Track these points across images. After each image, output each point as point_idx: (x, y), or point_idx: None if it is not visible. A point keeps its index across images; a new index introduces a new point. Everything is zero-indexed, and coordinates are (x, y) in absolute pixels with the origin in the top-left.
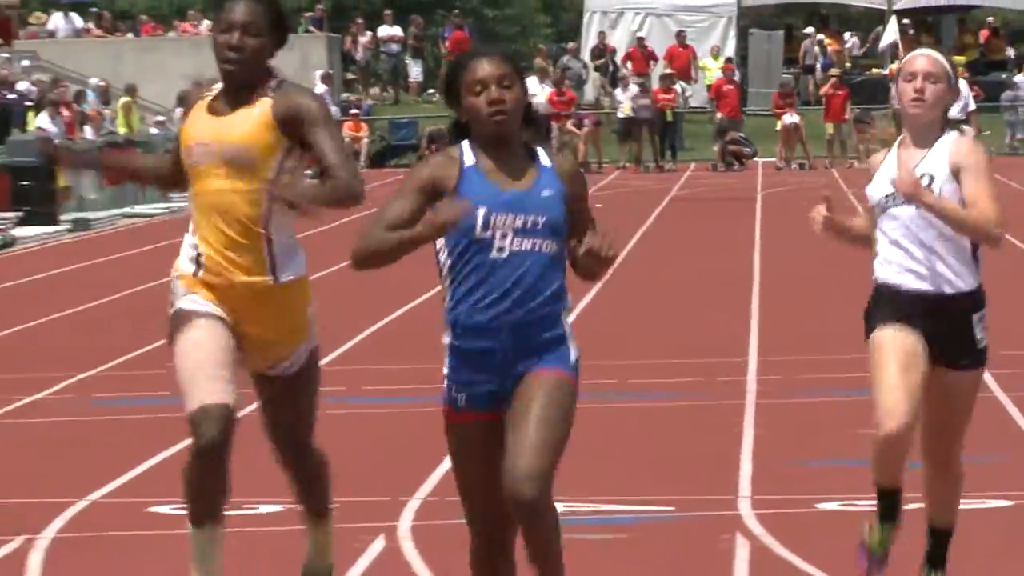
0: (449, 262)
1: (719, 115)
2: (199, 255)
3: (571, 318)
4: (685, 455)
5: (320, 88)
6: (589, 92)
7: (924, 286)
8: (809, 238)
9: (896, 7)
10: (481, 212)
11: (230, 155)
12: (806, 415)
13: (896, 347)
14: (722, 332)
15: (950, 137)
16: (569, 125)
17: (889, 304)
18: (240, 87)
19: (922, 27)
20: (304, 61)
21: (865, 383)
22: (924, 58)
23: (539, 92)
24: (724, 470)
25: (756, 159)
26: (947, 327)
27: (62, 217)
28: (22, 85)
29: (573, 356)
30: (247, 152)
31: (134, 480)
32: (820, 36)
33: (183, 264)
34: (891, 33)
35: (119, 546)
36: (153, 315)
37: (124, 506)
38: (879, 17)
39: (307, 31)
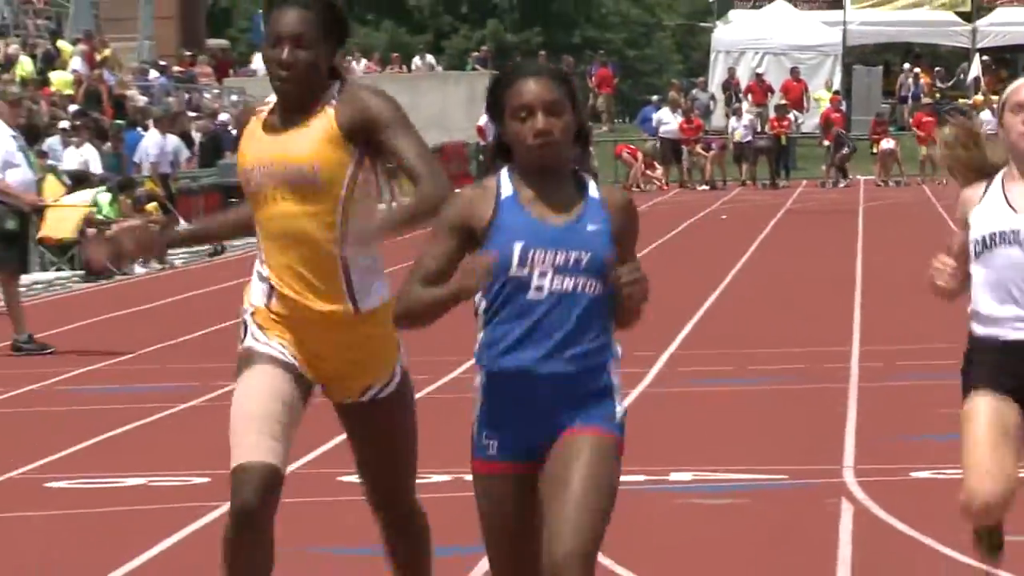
0: (484, 302)
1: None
2: (271, 286)
3: (620, 368)
4: (796, 431)
5: (483, 119)
6: (717, 119)
7: None
8: (906, 244)
9: (979, 45)
10: (518, 247)
11: (294, 176)
12: (902, 396)
13: (989, 420)
14: (828, 325)
15: None
16: (698, 148)
17: (987, 363)
18: (297, 103)
19: (1001, 63)
20: (471, 95)
21: (953, 369)
22: None
23: (671, 120)
24: (831, 444)
25: (859, 177)
26: None
27: None
28: (225, 115)
29: (619, 413)
30: (312, 172)
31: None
32: (915, 70)
33: (254, 295)
34: (975, 68)
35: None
36: None
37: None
38: (964, 54)
39: (473, 68)
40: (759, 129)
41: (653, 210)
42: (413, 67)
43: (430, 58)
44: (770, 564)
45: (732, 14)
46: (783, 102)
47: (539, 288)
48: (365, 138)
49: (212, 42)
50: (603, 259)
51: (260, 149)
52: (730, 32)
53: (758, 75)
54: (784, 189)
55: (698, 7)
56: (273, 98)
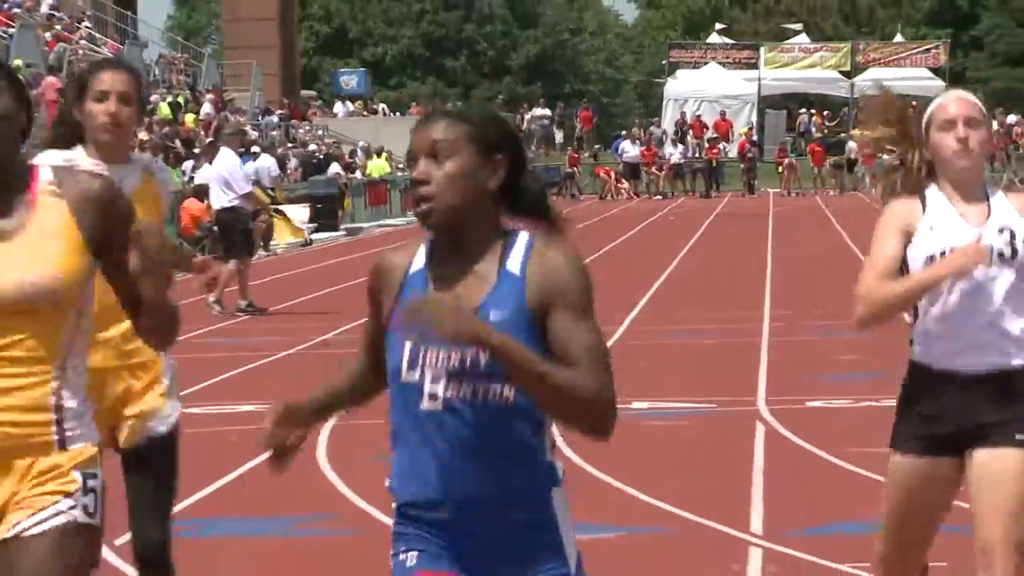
0: (390, 418)
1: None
2: None
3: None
4: (723, 372)
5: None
6: (668, 148)
7: (990, 360)
8: (803, 236)
9: (855, 95)
10: (407, 347)
11: None
12: (802, 348)
13: (911, 488)
14: (748, 294)
15: (999, 190)
16: (653, 169)
17: (924, 407)
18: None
19: None
20: None
21: (841, 328)
22: (959, 102)
23: (632, 149)
24: (748, 382)
25: (767, 189)
26: (1013, 404)
27: (341, 226)
28: (313, 146)
29: (571, 567)
30: None
31: None
32: (810, 112)
33: None
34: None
35: None
36: None
37: None
38: (845, 102)
39: None
40: (697, 155)
41: (622, 213)
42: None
43: (460, 104)
44: (703, 468)
45: (679, 72)
46: (715, 135)
47: (433, 397)
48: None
49: (304, 92)
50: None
51: None
52: (677, 86)
53: (697, 116)
54: (715, 198)
55: (655, 67)
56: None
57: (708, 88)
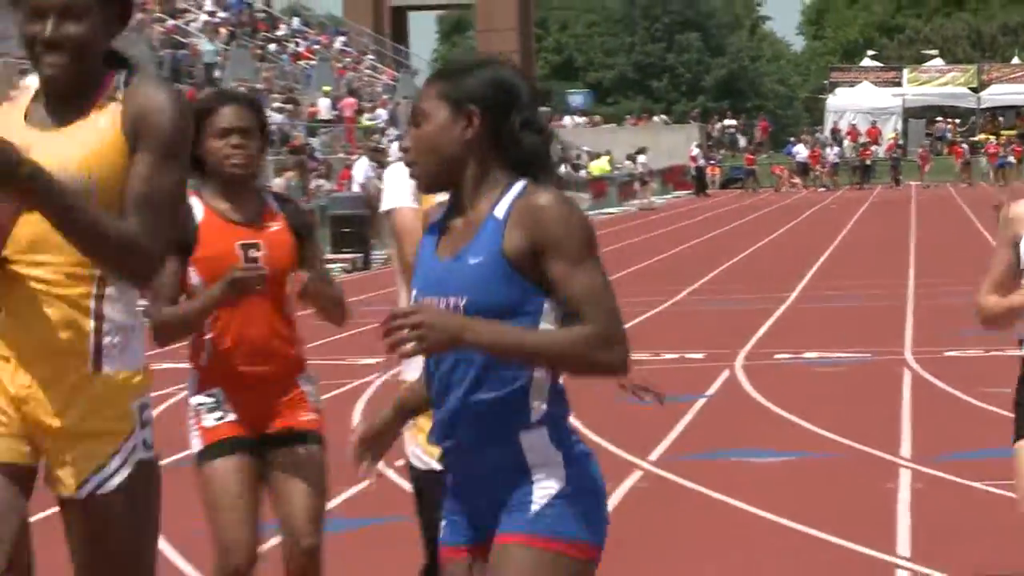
0: None
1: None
2: None
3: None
4: (874, 326)
5: (696, 151)
6: (827, 151)
7: None
8: (941, 221)
9: (982, 107)
10: (414, 294)
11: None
12: (945, 310)
13: None
14: (894, 265)
15: None
16: (818, 167)
17: None
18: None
19: (995, 116)
20: (687, 138)
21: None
22: None
23: (801, 151)
24: (896, 334)
25: (910, 183)
26: None
27: None
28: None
29: (539, 505)
30: (89, 181)
31: None
32: (946, 121)
33: None
34: (979, 120)
35: None
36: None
37: None
38: (972, 111)
39: (688, 122)
40: (852, 155)
41: (793, 203)
42: (654, 121)
43: (664, 117)
44: (861, 405)
45: (838, 90)
46: (867, 140)
47: None
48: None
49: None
50: (486, 302)
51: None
52: (837, 101)
53: (852, 125)
54: (867, 190)
55: (818, 86)
56: (30, 81)
57: (862, 102)
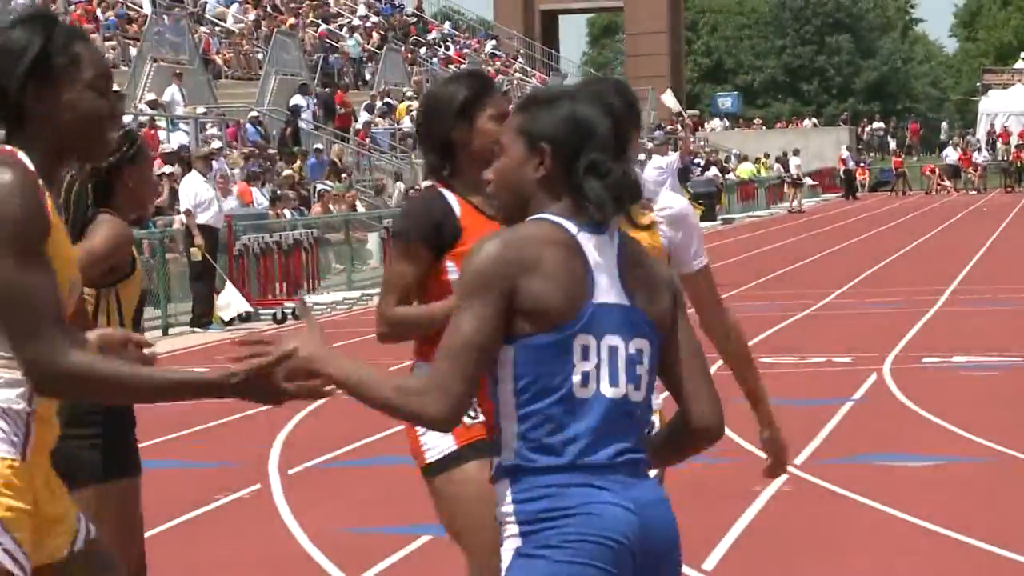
0: None
1: None
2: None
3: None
4: None
5: (845, 153)
6: (978, 154)
7: None
8: None
9: None
10: None
11: None
12: None
13: None
14: None
15: None
16: (970, 170)
17: None
18: None
19: None
20: (837, 141)
21: None
22: None
23: (952, 154)
24: None
25: None
26: None
27: (718, 217)
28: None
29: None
30: None
31: None
32: None
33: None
34: None
35: None
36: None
37: None
38: None
39: (838, 125)
40: (1004, 158)
41: (942, 206)
42: (804, 124)
43: (814, 120)
44: (1012, 411)
45: (991, 92)
46: (1019, 142)
47: None
48: None
49: (689, 112)
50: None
51: None
52: (990, 103)
53: (1004, 127)
54: (1020, 193)
55: (970, 88)
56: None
57: (1015, 105)
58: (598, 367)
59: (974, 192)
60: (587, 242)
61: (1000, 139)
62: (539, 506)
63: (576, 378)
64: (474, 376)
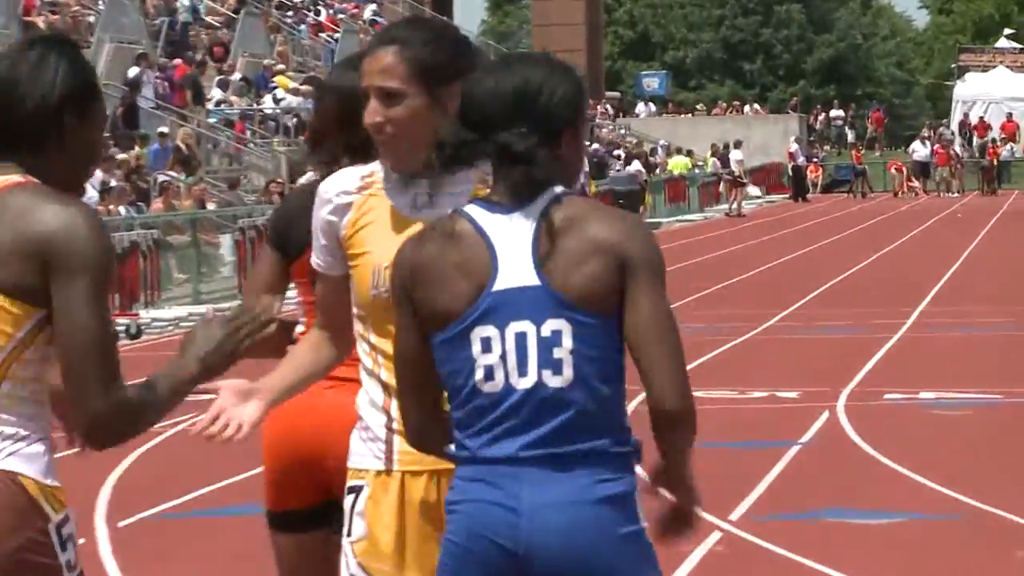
0: None
1: None
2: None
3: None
4: (1008, 362)
5: (794, 147)
6: (956, 148)
7: None
8: None
9: None
10: None
11: None
12: None
13: None
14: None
15: None
16: (943, 168)
17: None
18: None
19: None
20: (785, 131)
21: None
22: None
23: (920, 149)
24: None
25: None
26: None
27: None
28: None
29: None
30: None
31: None
32: None
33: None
34: None
35: None
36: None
37: None
38: None
39: (787, 112)
40: (979, 155)
41: (911, 210)
42: (746, 112)
43: (757, 106)
44: (987, 458)
45: (968, 76)
46: (1001, 136)
47: None
48: None
49: (608, 93)
50: None
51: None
52: (966, 88)
53: (981, 118)
54: (1001, 196)
55: (944, 70)
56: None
57: (996, 90)
58: (504, 358)
59: (948, 194)
60: (493, 224)
61: (976, 132)
62: (447, 498)
63: (479, 373)
64: (414, 386)
